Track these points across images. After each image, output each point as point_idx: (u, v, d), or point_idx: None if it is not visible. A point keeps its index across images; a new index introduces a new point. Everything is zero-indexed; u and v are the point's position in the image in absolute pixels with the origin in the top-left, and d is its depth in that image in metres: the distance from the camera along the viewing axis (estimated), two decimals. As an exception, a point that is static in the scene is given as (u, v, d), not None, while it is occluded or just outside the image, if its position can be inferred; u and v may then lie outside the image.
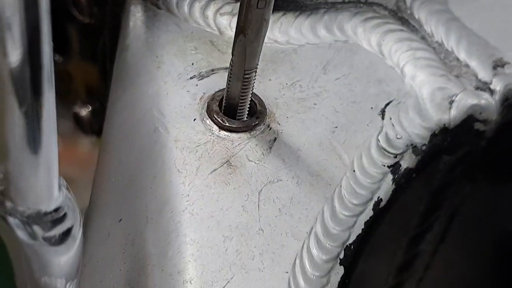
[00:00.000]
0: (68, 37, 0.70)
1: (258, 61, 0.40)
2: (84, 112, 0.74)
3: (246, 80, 0.41)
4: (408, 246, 0.55)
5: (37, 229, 0.29)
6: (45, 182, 0.28)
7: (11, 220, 0.29)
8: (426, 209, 0.52)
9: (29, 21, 0.27)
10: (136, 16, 0.49)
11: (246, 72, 0.40)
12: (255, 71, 0.41)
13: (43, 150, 0.28)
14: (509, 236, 0.66)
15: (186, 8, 0.48)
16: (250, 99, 0.43)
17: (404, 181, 0.44)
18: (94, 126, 0.74)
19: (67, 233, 0.30)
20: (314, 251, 0.39)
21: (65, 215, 0.30)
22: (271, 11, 0.38)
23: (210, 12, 0.48)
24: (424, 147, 0.45)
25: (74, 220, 0.31)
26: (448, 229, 0.59)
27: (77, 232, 0.31)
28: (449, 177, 0.51)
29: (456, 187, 0.53)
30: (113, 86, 0.48)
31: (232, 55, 0.40)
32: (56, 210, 0.29)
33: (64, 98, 0.79)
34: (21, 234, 0.29)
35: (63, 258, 0.32)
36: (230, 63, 0.40)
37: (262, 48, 0.40)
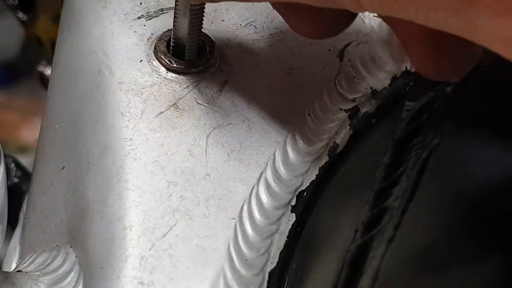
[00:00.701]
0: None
1: (206, -4, 0.38)
2: (49, 70, 0.71)
3: (194, 16, 0.38)
4: (373, 200, 0.54)
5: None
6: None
7: None
8: (391, 161, 0.50)
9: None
10: (82, -46, 0.46)
11: (192, 7, 0.38)
12: (203, 7, 0.38)
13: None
14: (478, 193, 0.65)
15: None
16: (199, 39, 0.40)
17: (363, 125, 0.42)
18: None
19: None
20: (264, 197, 0.37)
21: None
22: None
23: None
24: (384, 91, 0.43)
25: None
26: (417, 186, 0.57)
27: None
28: (414, 126, 0.49)
29: (422, 138, 0.51)
30: (60, 29, 0.46)
31: (177, -12, 0.37)
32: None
33: (30, 58, 0.76)
34: None
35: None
36: (176, -1, 0.38)
37: (215, -12, 0.37)
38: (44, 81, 0.73)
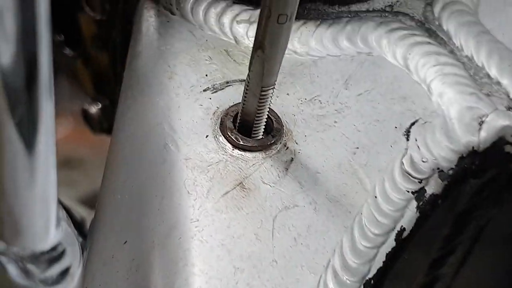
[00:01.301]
0: (80, 32, 0.68)
1: (276, 78, 0.37)
2: (94, 109, 0.71)
3: (263, 97, 0.38)
4: (429, 269, 0.52)
5: (33, 268, 0.26)
6: (42, 220, 0.25)
7: (4, 259, 0.26)
8: (450, 233, 0.49)
9: (24, 20, 0.24)
10: (149, 22, 0.46)
11: (263, 89, 0.37)
12: (273, 88, 0.38)
13: (39, 184, 0.25)
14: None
15: (201, 15, 0.45)
16: (266, 116, 0.40)
17: (429, 208, 0.41)
18: (104, 124, 0.72)
19: (65, 272, 0.28)
20: (331, 286, 0.36)
21: (63, 252, 0.27)
22: (292, 27, 0.35)
23: (226, 19, 0.45)
24: (451, 171, 0.42)
25: (73, 258, 0.28)
26: (471, 251, 0.56)
27: (76, 269, 0.28)
28: (475, 201, 0.48)
29: (482, 211, 0.50)
30: (122, 94, 0.45)
31: (249, 70, 0.37)
32: (54, 248, 0.27)
33: (73, 94, 0.77)
34: (14, 274, 0.26)
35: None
36: (247, 79, 0.37)
37: (281, 60, 0.37)
38: (87, 118, 0.73)
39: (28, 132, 0.26)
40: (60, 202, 0.75)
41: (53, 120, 0.28)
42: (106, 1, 0.58)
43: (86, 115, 0.72)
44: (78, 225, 0.78)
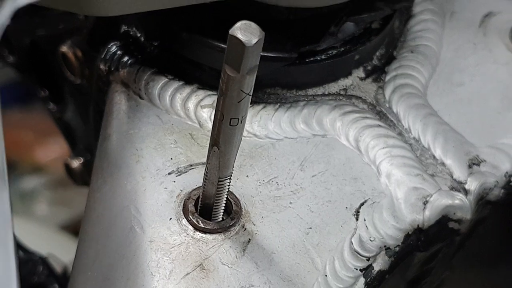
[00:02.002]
0: (62, 92, 0.70)
1: (233, 169, 0.40)
2: (75, 163, 0.73)
3: (221, 185, 0.41)
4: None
5: None
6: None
7: None
8: (402, 298, 0.52)
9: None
10: (119, 105, 0.49)
11: (220, 179, 0.40)
12: (230, 178, 0.40)
13: None
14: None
15: (167, 100, 0.48)
16: (225, 200, 0.42)
17: (376, 283, 0.44)
18: (85, 177, 0.74)
19: None
20: None
21: None
22: (244, 127, 0.38)
23: (191, 104, 0.48)
24: (397, 248, 0.45)
25: None
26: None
27: None
28: (425, 269, 0.51)
29: (433, 277, 0.53)
30: (94, 173, 0.48)
31: (207, 162, 0.40)
32: None
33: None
34: None
35: None
36: (205, 170, 0.40)
37: (241, 143, 0.39)
38: (69, 172, 0.74)
39: None
40: (41, 260, 0.76)
41: (9, 210, 0.30)
42: (85, 67, 0.60)
43: (68, 169, 0.74)
44: (58, 278, 0.80)
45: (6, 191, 0.28)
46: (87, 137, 0.70)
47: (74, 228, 1.21)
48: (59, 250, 0.88)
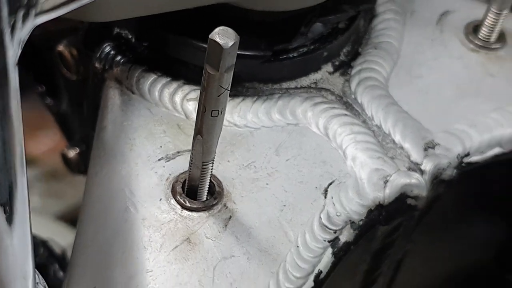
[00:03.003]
0: (58, 87, 0.74)
1: (215, 154, 0.45)
2: (72, 153, 0.77)
3: (204, 169, 0.45)
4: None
5: None
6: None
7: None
8: (368, 268, 0.57)
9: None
10: (113, 100, 0.53)
11: (204, 163, 0.45)
12: (212, 162, 0.45)
13: (18, 264, 0.31)
14: (447, 278, 0.72)
15: (156, 94, 0.53)
16: (209, 182, 0.47)
17: (342, 253, 0.49)
18: (81, 167, 0.77)
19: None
20: (259, 323, 0.43)
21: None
22: (225, 118, 0.42)
23: (178, 98, 0.52)
24: (361, 222, 0.50)
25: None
26: (393, 280, 0.63)
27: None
28: (388, 241, 0.56)
29: (396, 248, 0.58)
30: (92, 161, 0.53)
31: (192, 149, 0.44)
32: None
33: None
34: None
35: None
36: (191, 155, 0.45)
37: (223, 131, 0.44)
38: (66, 161, 0.78)
39: (8, 217, 0.32)
40: (42, 242, 0.80)
41: (27, 205, 0.34)
42: (80, 64, 0.64)
43: (64, 158, 0.78)
44: (58, 259, 0.84)
45: (25, 176, 0.32)
46: (82, 129, 0.74)
47: (67, 219, 1.23)
48: (56, 237, 0.92)
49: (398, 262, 0.61)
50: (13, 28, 0.27)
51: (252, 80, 0.54)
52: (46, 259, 0.79)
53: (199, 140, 0.43)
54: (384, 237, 0.55)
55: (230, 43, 0.37)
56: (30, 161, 1.33)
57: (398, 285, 0.65)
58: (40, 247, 0.80)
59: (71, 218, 1.19)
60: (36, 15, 0.29)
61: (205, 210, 0.47)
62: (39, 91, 0.80)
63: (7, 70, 0.28)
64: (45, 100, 0.80)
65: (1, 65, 0.27)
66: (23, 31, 0.28)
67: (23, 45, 0.29)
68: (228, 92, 0.40)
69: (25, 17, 0.28)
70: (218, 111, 0.41)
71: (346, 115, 0.53)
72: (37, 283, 0.35)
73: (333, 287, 0.53)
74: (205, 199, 0.47)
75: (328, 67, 0.56)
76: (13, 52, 0.28)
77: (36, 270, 0.35)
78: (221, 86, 0.39)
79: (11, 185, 0.31)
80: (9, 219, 0.31)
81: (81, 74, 0.64)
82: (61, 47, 0.63)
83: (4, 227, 0.31)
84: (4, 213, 0.30)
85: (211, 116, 0.41)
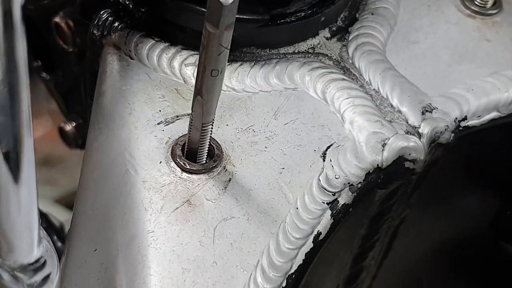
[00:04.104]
0: (54, 61, 0.73)
1: (214, 115, 0.44)
2: (68, 127, 0.77)
3: (204, 131, 0.45)
4: (353, 262, 0.60)
5: (21, 276, 0.33)
6: (28, 240, 0.32)
7: (1, 271, 0.33)
8: (366, 233, 0.57)
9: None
10: (112, 65, 0.53)
11: (203, 125, 0.44)
12: (212, 123, 0.45)
13: (24, 216, 0.32)
14: (443, 245, 0.72)
15: (155, 59, 0.52)
16: (208, 144, 0.47)
17: (341, 215, 0.49)
18: (78, 140, 0.77)
19: (46, 278, 0.34)
20: (260, 281, 0.43)
21: (44, 263, 0.34)
22: (224, 78, 0.42)
23: (176, 63, 0.52)
24: (359, 185, 0.50)
25: (52, 267, 0.35)
26: (391, 246, 0.64)
27: (55, 276, 0.35)
28: (386, 206, 0.56)
29: (393, 213, 0.58)
30: (91, 126, 0.52)
31: (192, 111, 0.44)
32: (37, 260, 0.34)
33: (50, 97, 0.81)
34: (8, 281, 0.33)
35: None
36: (190, 117, 0.44)
37: (221, 96, 0.44)
38: (63, 135, 0.78)
39: (14, 167, 0.32)
40: (41, 215, 0.80)
41: (33, 155, 0.34)
42: (76, 35, 0.64)
43: (61, 132, 0.77)
44: (57, 231, 0.84)
45: (31, 138, 0.32)
46: (78, 102, 0.74)
47: (62, 204, 1.22)
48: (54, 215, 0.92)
49: (395, 229, 0.62)
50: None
51: (250, 45, 0.54)
52: (46, 230, 0.79)
53: (199, 101, 0.43)
54: (382, 202, 0.55)
55: (230, 0, 0.37)
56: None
57: (395, 253, 0.65)
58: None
59: (65, 204, 1.18)
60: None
61: (204, 172, 0.47)
62: (35, 66, 0.79)
63: (12, 12, 0.27)
64: (41, 74, 0.79)
65: (7, 8, 0.27)
66: None
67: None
68: (228, 51, 0.40)
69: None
70: (218, 70, 0.41)
71: (344, 79, 0.53)
72: (41, 237, 0.34)
73: (332, 251, 0.53)
74: (204, 161, 0.47)
75: (326, 33, 0.56)
76: None
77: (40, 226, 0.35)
78: (221, 45, 0.39)
79: (18, 133, 0.30)
80: (15, 174, 0.31)
81: (77, 46, 0.64)
82: (57, 18, 0.62)
83: (10, 180, 0.31)
84: (8, 163, 0.30)
85: (211, 75, 0.41)
